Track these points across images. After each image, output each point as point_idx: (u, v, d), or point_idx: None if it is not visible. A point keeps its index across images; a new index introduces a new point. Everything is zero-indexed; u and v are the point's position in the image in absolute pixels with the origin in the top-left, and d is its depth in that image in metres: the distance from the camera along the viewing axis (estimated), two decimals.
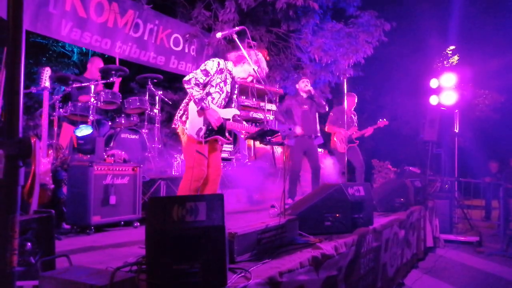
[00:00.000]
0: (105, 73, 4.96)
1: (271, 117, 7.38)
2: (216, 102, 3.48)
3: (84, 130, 4.36)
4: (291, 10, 7.43)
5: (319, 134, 5.61)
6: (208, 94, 3.42)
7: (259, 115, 7.29)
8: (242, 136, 4.00)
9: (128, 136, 5.15)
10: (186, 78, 3.37)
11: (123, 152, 4.65)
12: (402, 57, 11.57)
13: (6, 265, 1.18)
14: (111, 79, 4.85)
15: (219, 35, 3.62)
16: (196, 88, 3.33)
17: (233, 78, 3.60)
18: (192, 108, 3.38)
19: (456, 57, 12.90)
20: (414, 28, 11.31)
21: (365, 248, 3.29)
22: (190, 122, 3.37)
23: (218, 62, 3.46)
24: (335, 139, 6.58)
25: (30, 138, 1.29)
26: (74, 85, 4.75)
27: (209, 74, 3.40)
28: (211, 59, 3.47)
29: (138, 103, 5.17)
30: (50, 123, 4.55)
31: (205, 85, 3.42)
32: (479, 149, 9.96)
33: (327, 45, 7.87)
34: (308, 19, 7.84)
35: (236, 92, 3.71)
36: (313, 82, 8.51)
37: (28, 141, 1.24)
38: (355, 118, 6.77)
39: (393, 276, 4.12)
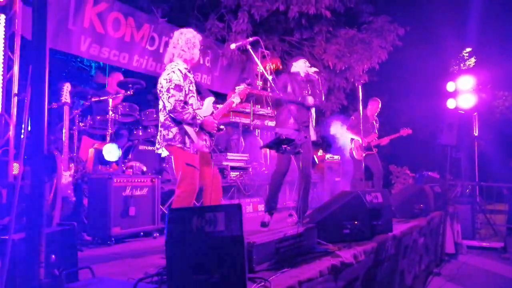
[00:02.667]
0: (122, 87, 5.07)
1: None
2: (195, 106, 3.35)
3: (113, 153, 4.34)
4: (304, 19, 7.46)
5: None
6: (186, 102, 3.26)
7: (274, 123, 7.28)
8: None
9: (146, 148, 5.22)
10: (169, 107, 3.13)
11: (141, 164, 4.73)
12: (417, 61, 11.42)
13: (34, 277, 1.22)
14: (128, 92, 4.95)
15: (233, 46, 3.65)
16: (184, 111, 3.15)
17: (189, 72, 3.41)
18: (189, 128, 3.23)
19: (473, 59, 12.66)
20: (428, 31, 11.19)
21: (384, 255, 3.26)
22: (194, 141, 3.23)
23: (179, 69, 3.26)
24: (352, 145, 6.54)
25: (54, 154, 1.34)
26: (93, 99, 4.86)
27: (182, 86, 3.21)
28: (171, 70, 3.25)
29: (155, 115, 5.25)
30: (70, 136, 4.66)
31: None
32: (501, 152, 9.72)
33: (341, 51, 7.87)
34: (320, 27, 7.87)
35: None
36: (327, 88, 8.50)
37: (52, 157, 1.29)
38: (376, 125, 6.71)
39: (411, 284, 4.05)
